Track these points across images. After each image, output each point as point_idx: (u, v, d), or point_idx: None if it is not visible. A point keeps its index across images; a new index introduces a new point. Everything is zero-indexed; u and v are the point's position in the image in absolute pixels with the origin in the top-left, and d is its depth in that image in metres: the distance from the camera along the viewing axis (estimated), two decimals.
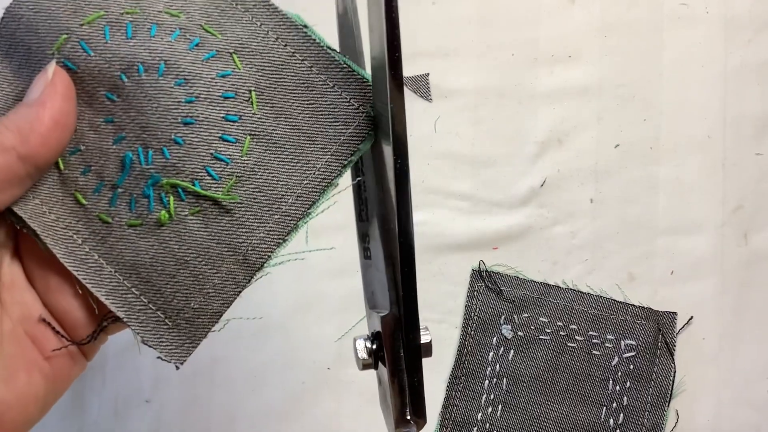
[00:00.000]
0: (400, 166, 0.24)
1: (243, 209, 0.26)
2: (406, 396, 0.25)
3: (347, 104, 0.27)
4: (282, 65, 0.27)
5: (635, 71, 0.49)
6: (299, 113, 0.27)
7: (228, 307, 0.27)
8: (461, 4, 0.48)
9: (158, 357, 0.26)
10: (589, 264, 0.48)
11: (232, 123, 0.26)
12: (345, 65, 0.27)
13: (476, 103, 0.48)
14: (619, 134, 0.48)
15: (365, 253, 0.27)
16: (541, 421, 0.46)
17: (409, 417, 0.25)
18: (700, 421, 0.47)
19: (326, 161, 0.27)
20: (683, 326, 0.47)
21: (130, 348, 0.47)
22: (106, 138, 0.25)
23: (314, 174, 0.27)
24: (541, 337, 0.47)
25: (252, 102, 0.26)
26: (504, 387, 0.47)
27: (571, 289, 0.47)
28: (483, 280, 0.47)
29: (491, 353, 0.47)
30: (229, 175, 0.26)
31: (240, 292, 0.27)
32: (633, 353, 0.47)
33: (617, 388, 0.46)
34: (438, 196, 0.48)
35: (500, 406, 0.46)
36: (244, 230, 0.26)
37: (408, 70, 0.48)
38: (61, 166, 0.26)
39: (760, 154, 0.48)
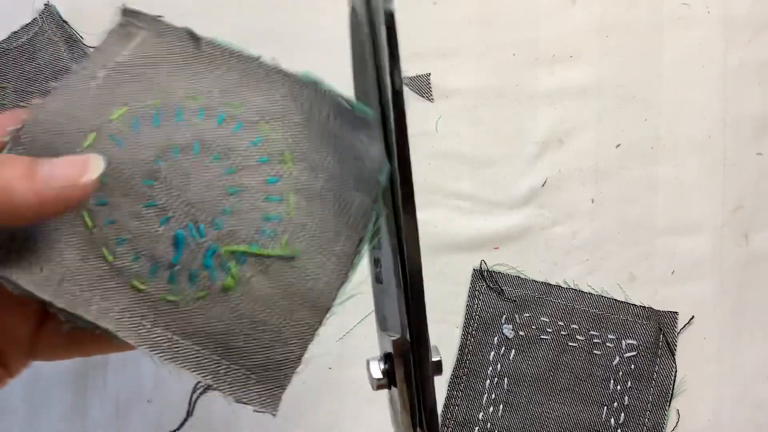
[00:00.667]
0: (406, 198, 0.24)
1: (302, 259, 0.27)
2: (416, 415, 0.26)
3: (366, 143, 0.28)
4: (305, 120, 0.28)
5: (635, 71, 0.49)
6: (330, 160, 0.28)
7: (306, 349, 0.27)
8: (461, 4, 0.49)
9: (255, 410, 0.26)
10: (590, 264, 0.48)
11: (273, 184, 0.27)
12: (351, 107, 0.29)
13: (476, 103, 0.48)
14: (619, 134, 0.48)
15: (377, 277, 0.28)
16: (542, 420, 0.46)
17: None
18: (700, 420, 0.47)
19: (361, 199, 0.28)
20: (684, 326, 0.47)
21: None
22: (151, 222, 0.26)
23: (354, 212, 0.28)
24: (542, 336, 0.47)
25: (286, 161, 0.27)
26: (505, 386, 0.47)
27: (572, 288, 0.48)
28: (484, 279, 0.47)
29: (492, 353, 0.47)
30: (282, 231, 0.26)
31: (315, 334, 0.27)
32: (634, 353, 0.47)
33: (618, 387, 0.46)
34: (438, 196, 0.48)
35: (501, 406, 0.46)
36: (307, 278, 0.27)
37: (408, 70, 0.48)
38: (110, 258, 0.26)
39: (761, 154, 0.48)
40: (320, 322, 0.28)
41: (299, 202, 0.27)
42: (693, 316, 0.47)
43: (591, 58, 0.48)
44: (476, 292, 0.47)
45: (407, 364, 0.26)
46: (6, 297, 0.26)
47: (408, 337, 0.25)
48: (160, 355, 0.26)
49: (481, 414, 0.46)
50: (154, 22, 0.29)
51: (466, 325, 0.47)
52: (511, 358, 0.47)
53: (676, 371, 0.47)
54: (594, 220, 0.48)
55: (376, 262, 0.28)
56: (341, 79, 0.48)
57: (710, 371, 0.47)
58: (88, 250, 0.26)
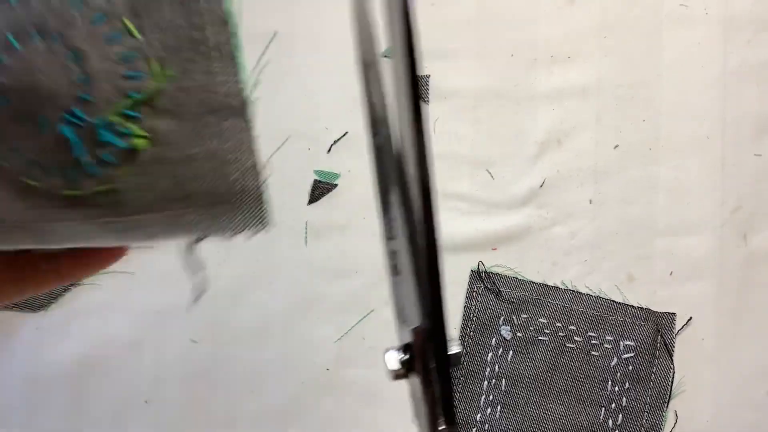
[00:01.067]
0: (425, 186, 0.24)
1: (184, 76, 0.25)
2: (437, 405, 0.26)
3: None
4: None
5: (635, 71, 0.48)
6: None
7: (254, 153, 0.26)
8: (460, 5, 0.48)
9: (251, 235, 0.26)
10: (588, 265, 0.48)
11: (113, 39, 0.24)
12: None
13: (475, 103, 0.48)
14: (618, 135, 0.48)
15: (394, 269, 0.28)
16: (540, 421, 0.46)
17: (442, 426, 0.26)
18: (699, 421, 0.47)
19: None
20: (682, 327, 0.47)
21: (130, 348, 0.47)
22: (29, 131, 0.24)
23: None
24: (540, 338, 0.47)
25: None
26: (503, 388, 0.47)
27: (570, 289, 0.48)
28: (482, 280, 0.47)
29: (490, 354, 0.47)
30: (144, 63, 0.24)
31: (251, 135, 0.26)
32: (632, 354, 0.47)
33: (616, 388, 0.46)
34: (437, 197, 0.48)
35: (499, 407, 0.47)
36: (202, 89, 0.25)
37: None
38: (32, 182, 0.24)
39: (760, 154, 0.48)
40: (247, 121, 0.26)
41: (139, 21, 0.24)
42: (691, 317, 0.47)
43: (590, 58, 0.48)
44: (474, 294, 0.47)
45: (427, 352, 0.26)
46: None
47: (427, 324, 0.25)
48: (129, 242, 0.25)
49: (479, 415, 0.47)
50: None
51: (464, 326, 0.47)
52: (508, 359, 0.47)
53: (674, 372, 0.47)
54: (593, 221, 0.48)
55: (392, 255, 0.29)
56: (341, 79, 0.48)
57: (708, 372, 0.47)
58: None
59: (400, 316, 0.28)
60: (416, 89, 0.23)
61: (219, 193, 0.26)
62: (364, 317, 0.47)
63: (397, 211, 0.26)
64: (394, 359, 0.28)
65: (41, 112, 0.24)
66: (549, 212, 0.48)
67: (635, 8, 0.49)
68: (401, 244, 0.26)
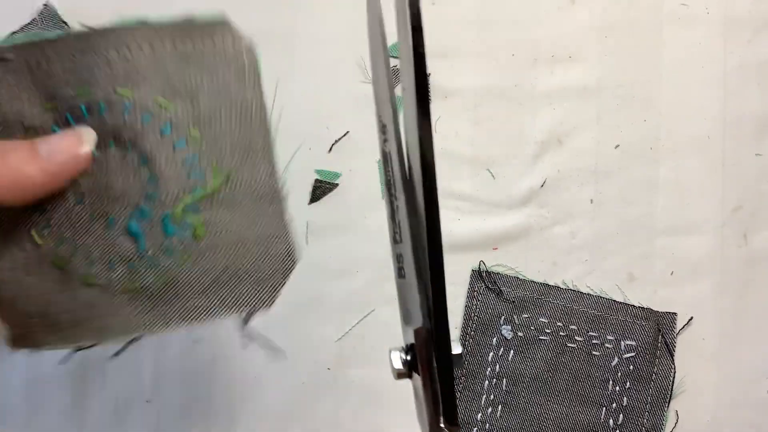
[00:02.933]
0: (429, 191, 0.25)
1: (238, 173, 0.28)
2: (439, 405, 0.26)
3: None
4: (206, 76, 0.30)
5: (635, 71, 0.49)
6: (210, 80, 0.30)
7: (291, 242, 0.30)
8: (461, 4, 0.48)
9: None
10: (589, 264, 0.48)
11: (181, 147, 0.28)
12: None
13: (476, 103, 0.48)
14: (618, 134, 0.48)
15: (400, 272, 0.29)
16: (541, 421, 0.46)
17: (442, 425, 0.26)
18: (699, 421, 0.47)
19: (252, 96, 0.31)
20: (683, 327, 0.47)
21: (131, 348, 0.47)
22: (98, 232, 0.27)
23: (253, 111, 0.30)
24: (540, 337, 0.47)
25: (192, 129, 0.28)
26: (504, 387, 0.47)
27: (570, 289, 0.48)
28: (483, 280, 0.47)
29: (491, 354, 0.47)
30: (206, 164, 0.28)
31: (287, 224, 0.29)
32: (633, 354, 0.47)
33: (617, 388, 0.46)
34: (438, 196, 0.48)
35: (500, 407, 0.47)
36: (252, 182, 0.29)
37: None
38: (39, 241, 0.27)
39: (760, 154, 0.48)
40: (284, 210, 0.29)
41: (201, 131, 0.28)
42: (692, 317, 0.47)
43: (590, 58, 0.48)
44: (475, 293, 0.47)
45: (429, 352, 0.26)
46: None
47: (429, 325, 0.26)
48: (190, 324, 0.27)
49: (480, 415, 0.47)
50: None
51: (465, 325, 0.47)
52: (509, 359, 0.47)
53: (674, 372, 0.47)
54: (593, 221, 0.48)
55: (398, 258, 0.29)
56: (341, 78, 0.48)
57: (709, 372, 0.47)
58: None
59: (405, 317, 0.29)
60: (424, 97, 0.24)
61: (265, 272, 0.29)
62: (365, 317, 0.47)
63: (402, 216, 0.27)
64: (397, 359, 0.28)
65: (112, 211, 0.26)
66: (550, 212, 0.48)
67: (635, 8, 0.49)
68: (406, 247, 0.27)
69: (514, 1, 0.49)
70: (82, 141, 0.27)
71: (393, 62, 0.48)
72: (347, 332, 0.47)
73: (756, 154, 0.48)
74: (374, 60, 0.30)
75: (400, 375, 0.28)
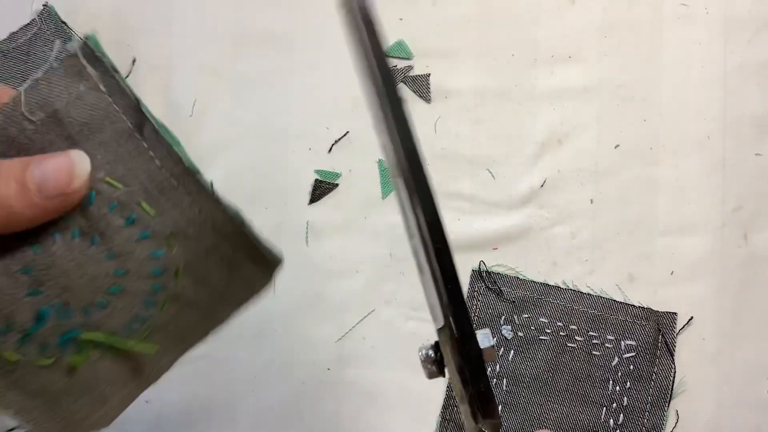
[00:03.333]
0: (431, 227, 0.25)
1: (154, 355, 0.29)
2: (474, 402, 0.26)
3: (260, 276, 0.29)
4: (212, 249, 0.28)
5: (635, 71, 0.49)
6: (218, 281, 0.29)
7: (122, 412, 0.30)
8: (461, 4, 0.48)
9: None
10: (589, 264, 0.48)
11: (155, 294, 0.27)
12: (267, 252, 0.29)
13: (476, 103, 0.48)
14: (618, 134, 0.48)
15: (419, 267, 0.28)
16: (541, 421, 0.46)
17: (478, 422, 0.26)
18: (700, 421, 0.47)
19: (230, 312, 0.29)
20: (683, 326, 0.47)
21: None
22: (20, 288, 0.25)
23: (218, 321, 0.29)
24: (541, 337, 0.47)
25: (178, 275, 0.27)
26: (504, 387, 0.47)
27: (571, 289, 0.47)
28: (483, 280, 0.47)
29: None
30: (146, 329, 0.27)
31: (133, 400, 0.30)
32: (633, 353, 0.47)
33: (617, 388, 0.46)
34: (438, 197, 0.48)
35: (500, 407, 0.46)
36: (151, 362, 0.29)
37: (408, 70, 0.48)
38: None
39: (760, 154, 0.48)
40: (142, 391, 0.30)
41: (170, 308, 0.28)
42: (692, 317, 0.47)
43: (590, 58, 0.48)
44: (475, 293, 0.47)
45: (453, 352, 0.26)
46: None
47: (450, 323, 0.25)
48: None
49: None
50: (107, 75, 0.26)
51: None
52: (510, 358, 0.47)
53: (675, 372, 0.47)
54: (593, 221, 0.48)
55: (415, 252, 0.28)
56: (341, 78, 0.48)
57: (709, 372, 0.47)
58: None
59: (432, 314, 0.28)
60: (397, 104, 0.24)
61: (77, 418, 0.28)
62: (365, 317, 0.47)
63: (409, 211, 0.26)
64: (426, 358, 0.28)
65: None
66: (550, 212, 0.48)
67: (635, 8, 0.49)
68: (417, 243, 0.26)
69: (514, 1, 0.49)
70: (74, 174, 0.24)
71: (394, 62, 0.48)
72: (347, 332, 0.47)
73: (756, 154, 0.48)
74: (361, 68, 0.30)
75: (431, 374, 0.28)
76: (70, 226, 0.25)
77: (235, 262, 0.28)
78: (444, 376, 0.28)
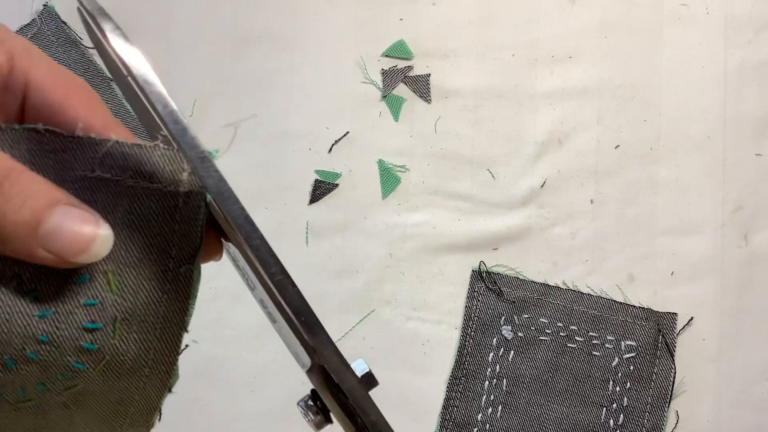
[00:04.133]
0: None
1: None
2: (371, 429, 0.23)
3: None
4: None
5: (635, 71, 0.48)
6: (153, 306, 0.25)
7: None
8: (461, 5, 0.48)
9: None
10: (589, 264, 0.48)
11: (86, 352, 0.23)
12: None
13: (476, 103, 0.48)
14: (619, 134, 0.48)
15: (270, 317, 0.26)
16: (542, 421, 0.46)
17: None
18: (700, 421, 0.47)
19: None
20: (683, 327, 0.47)
21: None
22: None
23: (152, 358, 0.25)
24: (541, 338, 0.47)
25: (115, 327, 0.23)
26: (504, 388, 0.47)
27: (571, 289, 0.47)
28: (483, 280, 0.47)
29: (491, 354, 0.47)
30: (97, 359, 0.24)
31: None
32: (633, 354, 0.47)
33: (617, 388, 0.46)
34: (438, 197, 0.48)
35: (500, 407, 0.46)
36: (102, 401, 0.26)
37: (409, 71, 0.48)
38: None
39: (760, 154, 0.48)
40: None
41: (106, 370, 0.24)
42: (692, 317, 0.47)
43: (591, 58, 0.48)
44: (475, 293, 0.47)
45: (333, 391, 0.23)
46: None
47: (318, 360, 0.22)
48: None
49: (480, 415, 0.46)
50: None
51: (465, 326, 0.47)
52: (510, 359, 0.47)
53: (675, 372, 0.47)
54: (594, 221, 0.48)
55: (262, 303, 0.26)
56: (341, 78, 0.48)
57: (709, 372, 0.47)
58: None
59: (298, 362, 0.25)
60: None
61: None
62: (365, 317, 0.47)
63: (240, 256, 0.24)
64: (307, 408, 0.24)
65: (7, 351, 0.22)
66: (550, 212, 0.48)
67: (635, 8, 0.49)
68: (259, 290, 0.24)
69: (514, 2, 0.49)
70: (89, 249, 0.21)
71: (394, 62, 0.48)
72: (347, 333, 0.47)
73: (756, 154, 0.48)
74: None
75: (318, 425, 0.24)
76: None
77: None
78: (331, 422, 0.25)
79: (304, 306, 0.22)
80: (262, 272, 0.22)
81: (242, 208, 0.21)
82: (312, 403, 0.24)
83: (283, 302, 0.22)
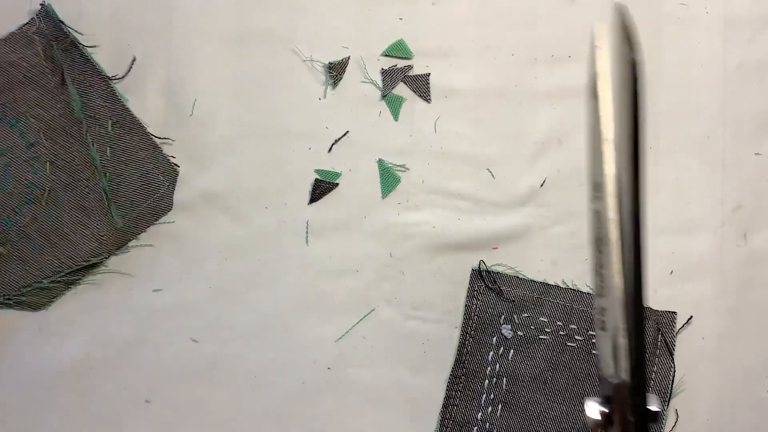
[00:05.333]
0: (637, 250, 0.25)
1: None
2: None
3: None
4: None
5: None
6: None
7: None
8: (461, 4, 0.48)
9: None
10: (589, 264, 0.48)
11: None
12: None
13: (476, 103, 0.48)
14: None
15: (601, 324, 0.30)
16: (541, 420, 0.46)
17: None
18: (699, 420, 0.47)
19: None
20: (683, 326, 0.47)
21: (131, 348, 0.47)
22: None
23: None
24: (540, 336, 0.47)
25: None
26: (504, 386, 0.47)
27: (570, 288, 0.48)
28: (483, 279, 0.47)
29: (491, 353, 0.47)
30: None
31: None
32: None
33: None
34: (438, 196, 0.48)
35: (500, 406, 0.47)
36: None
37: (408, 70, 0.48)
38: None
39: (760, 153, 0.48)
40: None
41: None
42: (692, 316, 0.47)
43: None
44: (475, 292, 0.47)
45: (625, 408, 0.27)
46: None
47: (626, 380, 0.27)
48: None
49: (480, 414, 0.47)
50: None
51: (465, 325, 0.47)
52: (509, 358, 0.47)
53: (674, 371, 0.47)
54: None
55: (601, 311, 0.30)
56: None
57: (709, 371, 0.47)
58: None
59: (604, 368, 0.30)
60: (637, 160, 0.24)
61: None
62: (364, 317, 0.47)
63: (608, 273, 0.27)
64: (595, 410, 0.29)
65: None
66: (549, 211, 0.48)
67: (635, 8, 0.49)
68: (612, 303, 0.27)
69: (514, 1, 0.49)
70: None
71: (394, 62, 0.48)
72: (347, 332, 0.47)
73: (756, 154, 0.48)
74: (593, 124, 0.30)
75: (597, 425, 0.29)
76: None
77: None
78: (607, 429, 0.29)
79: (642, 348, 0.26)
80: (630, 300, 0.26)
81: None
82: (601, 408, 0.29)
83: (634, 338, 0.26)
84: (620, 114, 0.27)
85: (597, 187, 0.28)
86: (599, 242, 0.29)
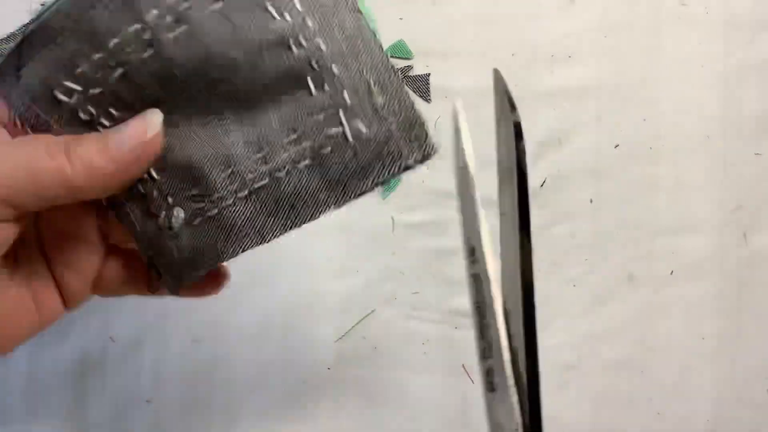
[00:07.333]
0: (528, 317, 0.26)
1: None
2: None
3: None
4: None
5: (635, 71, 0.49)
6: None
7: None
8: (461, 4, 0.48)
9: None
10: (589, 264, 0.48)
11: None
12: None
13: (476, 103, 0.48)
14: (618, 134, 0.48)
15: (489, 386, 0.29)
16: None
17: None
18: (699, 420, 0.47)
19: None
20: (682, 326, 0.47)
21: (131, 348, 0.47)
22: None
23: None
24: None
25: None
26: None
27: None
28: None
29: None
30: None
31: None
32: None
33: None
34: (438, 197, 0.48)
35: None
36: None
37: (407, 70, 0.48)
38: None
39: (760, 154, 0.48)
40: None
41: None
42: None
43: (590, 58, 0.48)
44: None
45: None
46: (77, 232, 0.32)
47: None
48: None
49: None
50: None
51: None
52: None
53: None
54: (593, 220, 0.48)
55: (488, 372, 0.30)
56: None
57: (708, 372, 0.47)
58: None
59: (494, 430, 0.30)
60: (526, 224, 0.25)
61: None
62: (364, 317, 0.47)
63: (494, 335, 0.27)
64: None
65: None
66: (549, 212, 0.48)
67: (635, 8, 0.49)
68: (499, 364, 0.27)
69: (514, 1, 0.49)
70: (149, 125, 0.27)
71: (394, 62, 0.48)
72: (347, 332, 0.47)
73: (756, 154, 0.48)
74: (461, 189, 0.31)
75: None
76: None
77: None
78: None
79: (539, 404, 0.27)
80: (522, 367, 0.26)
81: None
82: None
83: (528, 400, 0.26)
84: (501, 180, 0.29)
85: (473, 251, 0.29)
86: (479, 307, 0.29)
